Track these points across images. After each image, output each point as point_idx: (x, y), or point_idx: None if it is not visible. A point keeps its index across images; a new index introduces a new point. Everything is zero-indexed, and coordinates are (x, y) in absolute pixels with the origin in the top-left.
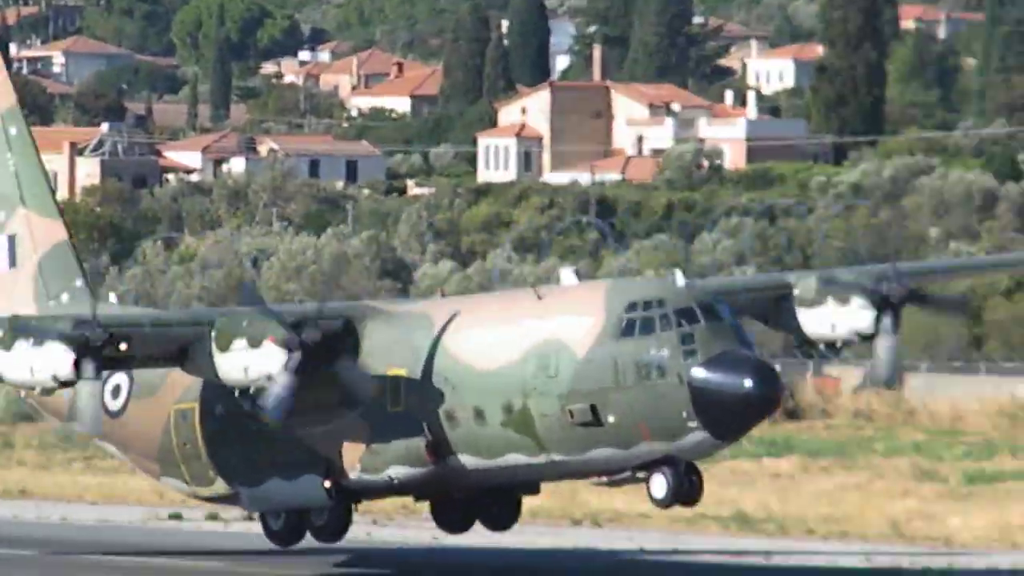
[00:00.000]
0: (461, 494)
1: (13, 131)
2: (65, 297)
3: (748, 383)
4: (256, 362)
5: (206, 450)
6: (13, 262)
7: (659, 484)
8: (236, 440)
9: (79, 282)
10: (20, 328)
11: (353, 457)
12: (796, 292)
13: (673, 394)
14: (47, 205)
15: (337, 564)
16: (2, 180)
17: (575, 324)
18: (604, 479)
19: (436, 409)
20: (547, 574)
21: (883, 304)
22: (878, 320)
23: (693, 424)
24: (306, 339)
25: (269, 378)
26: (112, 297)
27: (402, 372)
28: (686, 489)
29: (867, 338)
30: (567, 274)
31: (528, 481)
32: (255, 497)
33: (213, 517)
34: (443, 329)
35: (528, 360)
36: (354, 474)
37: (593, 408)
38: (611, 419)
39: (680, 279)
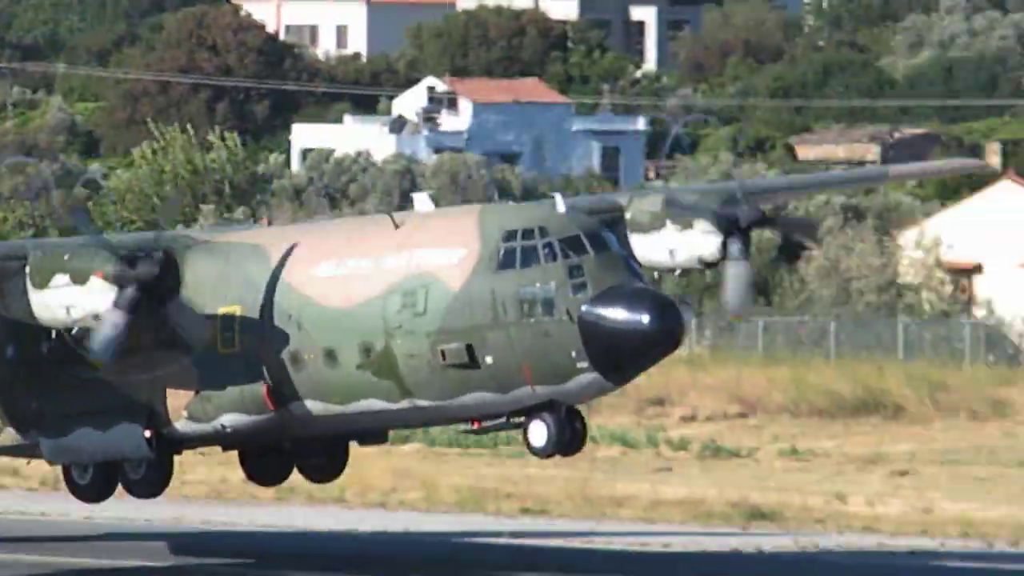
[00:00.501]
0: (291, 444)
1: None
2: None
3: (648, 318)
4: (81, 300)
5: None
6: None
7: (539, 432)
8: (33, 385)
9: None
10: None
11: (179, 404)
12: (628, 215)
13: (561, 332)
14: None
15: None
16: None
17: (445, 255)
18: (472, 426)
19: (278, 351)
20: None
21: (730, 228)
22: (725, 245)
23: (583, 365)
24: (141, 273)
25: (96, 317)
26: None
27: (235, 310)
28: (568, 436)
29: (711, 265)
30: (422, 199)
31: (381, 429)
32: (60, 448)
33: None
34: (283, 261)
35: (391, 296)
36: (180, 423)
37: (469, 348)
38: (488, 360)
39: (561, 204)
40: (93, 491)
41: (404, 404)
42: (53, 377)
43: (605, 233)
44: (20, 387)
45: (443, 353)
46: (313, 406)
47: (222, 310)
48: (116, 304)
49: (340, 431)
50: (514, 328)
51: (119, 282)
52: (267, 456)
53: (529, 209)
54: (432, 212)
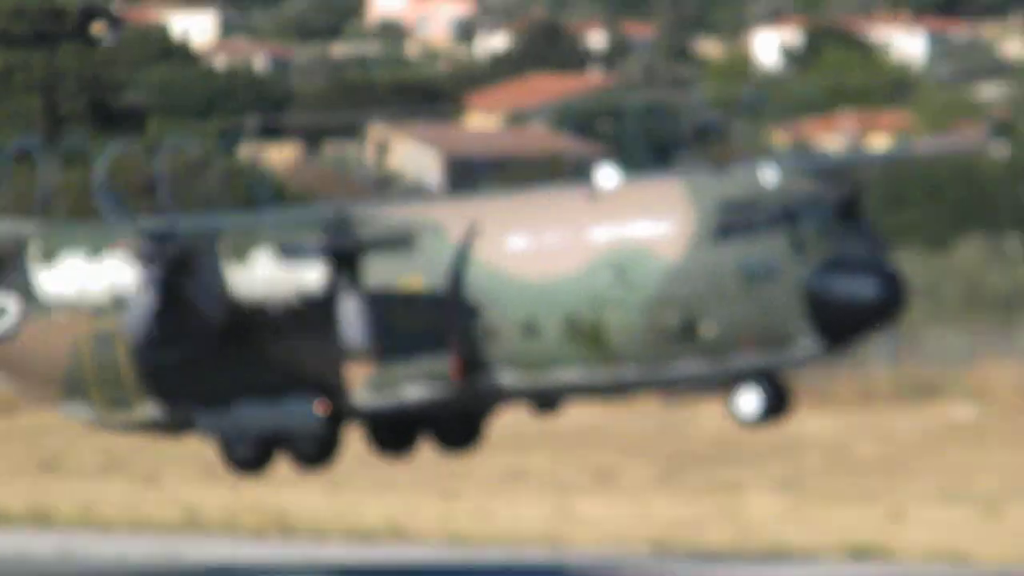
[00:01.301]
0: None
1: None
2: None
3: (871, 288)
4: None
5: (136, 372)
6: None
7: (750, 398)
8: (184, 362)
9: None
10: None
11: (356, 377)
12: None
13: (782, 301)
14: None
15: None
16: None
17: (657, 227)
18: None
19: (467, 324)
20: None
21: None
22: None
23: (802, 333)
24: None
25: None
26: None
27: (417, 284)
28: (777, 402)
29: None
30: (607, 172)
31: (576, 394)
32: (220, 422)
33: None
34: (467, 237)
35: (599, 268)
36: (359, 395)
37: (685, 318)
38: (704, 329)
39: (771, 173)
40: (253, 461)
41: (608, 371)
42: (218, 353)
43: (825, 200)
44: (169, 367)
45: (658, 323)
46: (506, 376)
47: (402, 284)
48: (343, 286)
49: (531, 398)
50: (733, 298)
51: (152, 261)
52: (399, 425)
53: (743, 178)
54: (630, 184)
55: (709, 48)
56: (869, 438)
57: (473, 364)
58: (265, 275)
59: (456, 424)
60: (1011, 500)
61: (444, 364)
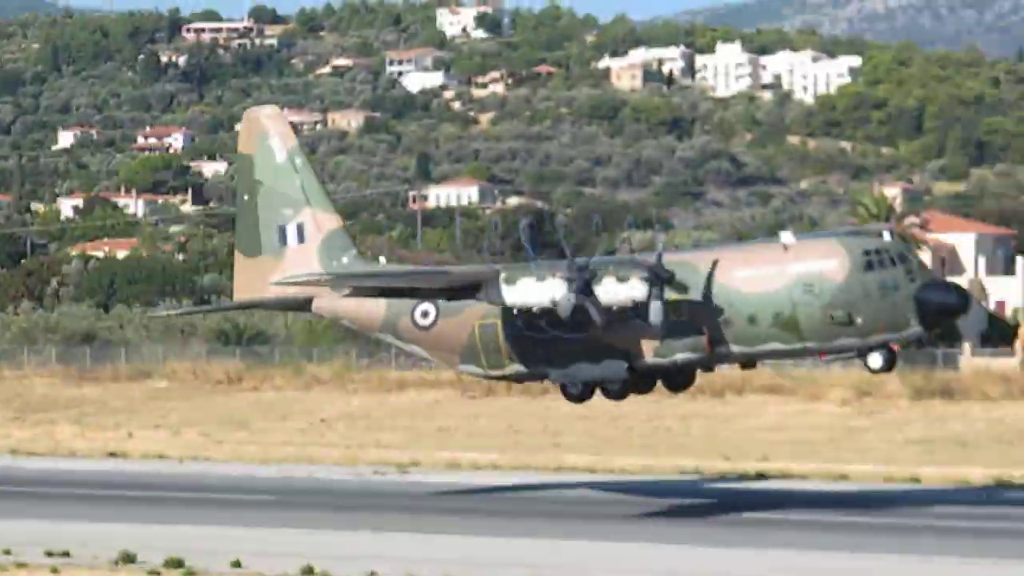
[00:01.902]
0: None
1: (299, 160)
2: (344, 260)
3: (953, 297)
4: (626, 292)
5: (508, 347)
6: (302, 240)
7: (877, 359)
8: (540, 341)
9: (353, 252)
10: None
11: (648, 348)
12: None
13: (904, 304)
14: (325, 205)
15: None
16: (295, 190)
17: (828, 263)
18: (828, 357)
19: (715, 317)
20: None
21: None
22: None
23: (914, 322)
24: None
25: (635, 303)
26: (382, 259)
27: (687, 296)
28: (892, 363)
29: None
30: (787, 235)
31: (772, 358)
32: (563, 374)
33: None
34: (711, 270)
35: (795, 285)
36: (648, 359)
37: (848, 313)
38: (859, 320)
39: (888, 235)
40: (581, 397)
41: (797, 345)
42: (555, 337)
43: (911, 251)
44: (529, 342)
45: (832, 316)
46: (735, 348)
47: (674, 297)
48: (654, 296)
49: (743, 361)
50: (876, 302)
51: (651, 283)
52: (651, 375)
53: (872, 237)
54: (802, 240)
55: None
56: None
57: (716, 341)
58: (613, 289)
59: (681, 376)
60: None
61: (701, 341)
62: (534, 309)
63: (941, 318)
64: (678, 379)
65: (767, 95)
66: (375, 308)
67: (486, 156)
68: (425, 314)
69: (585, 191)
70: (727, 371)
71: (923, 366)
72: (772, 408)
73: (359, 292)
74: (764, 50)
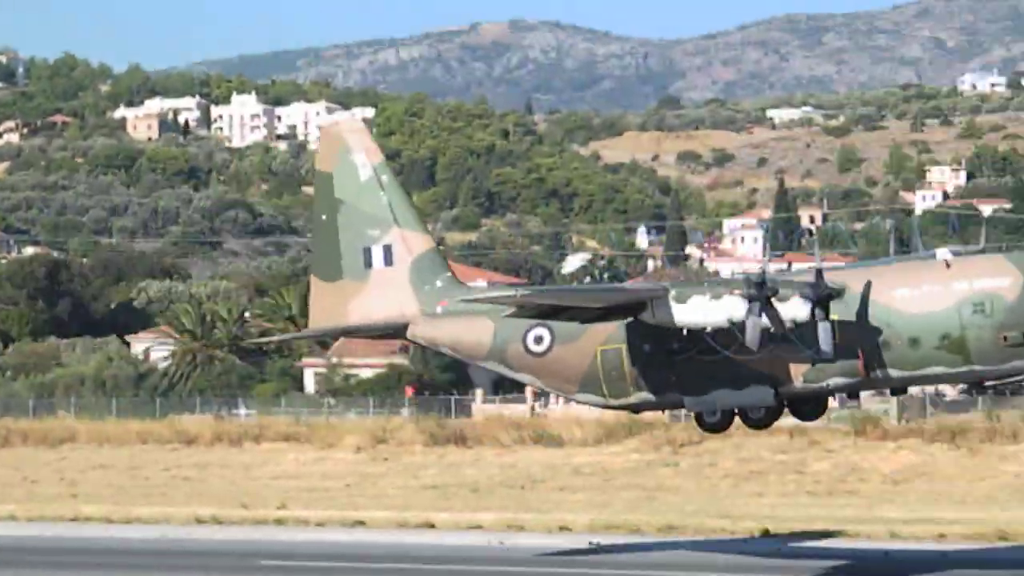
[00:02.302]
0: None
1: (385, 177)
2: (438, 284)
3: None
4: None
5: (635, 373)
6: (389, 263)
7: None
8: (673, 365)
9: (447, 274)
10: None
11: (797, 372)
12: None
13: None
14: (415, 225)
15: None
16: (381, 209)
17: (998, 282)
18: (994, 382)
19: (871, 340)
20: None
21: None
22: None
23: None
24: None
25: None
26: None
27: (834, 317)
28: None
29: None
30: (943, 252)
31: (933, 383)
32: (701, 402)
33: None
34: (866, 290)
35: (963, 305)
36: (797, 384)
37: (1022, 333)
38: None
39: None
40: (720, 426)
41: (963, 368)
42: (688, 360)
43: None
44: (661, 367)
45: (1005, 337)
46: (894, 372)
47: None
48: (753, 313)
49: (902, 386)
50: None
51: (755, 299)
52: (791, 404)
53: None
54: (965, 257)
55: None
56: None
57: (871, 364)
58: (794, 308)
59: (817, 404)
60: None
61: (856, 365)
62: (708, 329)
63: None
64: (815, 408)
65: (283, 145)
66: (482, 334)
67: (1, 206)
68: (539, 340)
69: (102, 240)
70: (243, 420)
71: (436, 413)
72: (290, 456)
73: (521, 313)
74: (279, 101)
